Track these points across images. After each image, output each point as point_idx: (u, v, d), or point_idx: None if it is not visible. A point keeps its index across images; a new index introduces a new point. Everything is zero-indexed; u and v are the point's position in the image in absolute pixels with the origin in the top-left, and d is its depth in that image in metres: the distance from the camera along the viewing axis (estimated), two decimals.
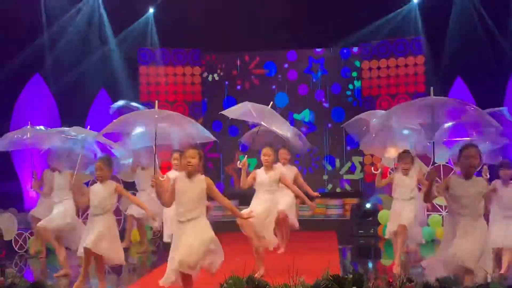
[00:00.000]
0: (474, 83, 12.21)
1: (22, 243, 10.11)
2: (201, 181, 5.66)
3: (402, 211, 7.88)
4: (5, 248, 9.55)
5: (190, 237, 5.49)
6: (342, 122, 13.58)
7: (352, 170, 13.78)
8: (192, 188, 5.62)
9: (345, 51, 13.96)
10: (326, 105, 13.98)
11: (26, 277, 4.69)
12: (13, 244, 9.99)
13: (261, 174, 7.57)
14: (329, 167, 13.89)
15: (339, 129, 13.13)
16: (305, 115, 13.95)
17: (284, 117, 8.60)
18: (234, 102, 13.08)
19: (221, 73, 14.19)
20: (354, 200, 12.59)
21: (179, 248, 5.48)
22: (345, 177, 13.82)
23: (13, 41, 11.38)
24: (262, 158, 7.59)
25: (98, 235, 6.58)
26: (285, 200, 8.89)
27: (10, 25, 11.18)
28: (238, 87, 14.16)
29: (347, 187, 13.79)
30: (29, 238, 10.10)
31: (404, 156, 7.98)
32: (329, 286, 4.02)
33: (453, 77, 12.48)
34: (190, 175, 5.64)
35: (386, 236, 8.34)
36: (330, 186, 13.65)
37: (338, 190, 13.76)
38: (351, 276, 4.09)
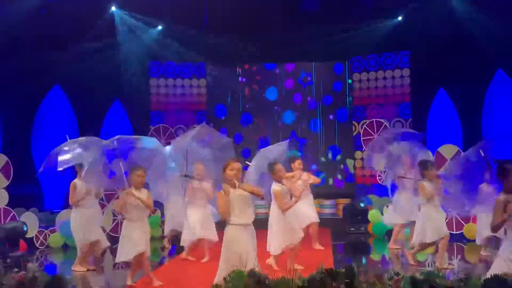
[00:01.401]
0: (456, 94, 12.23)
1: (42, 239, 10.10)
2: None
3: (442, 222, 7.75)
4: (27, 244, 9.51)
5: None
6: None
7: (345, 170, 13.80)
8: (246, 195, 5.48)
9: (337, 64, 14.03)
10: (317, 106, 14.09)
11: (46, 271, 4.68)
12: (35, 241, 9.98)
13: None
14: (324, 159, 13.92)
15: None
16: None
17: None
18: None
19: (224, 84, 14.26)
20: (346, 200, 12.58)
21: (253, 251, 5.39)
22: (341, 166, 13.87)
23: (34, 55, 11.39)
24: (279, 174, 7.21)
25: (147, 240, 6.71)
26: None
27: (31, 40, 11.21)
28: (239, 96, 14.25)
29: (340, 175, 13.79)
30: (49, 235, 10.09)
31: (433, 164, 7.73)
32: (323, 279, 4.00)
33: (436, 88, 12.49)
34: (234, 185, 5.45)
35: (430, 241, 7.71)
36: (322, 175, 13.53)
37: (330, 181, 13.78)
38: (343, 270, 4.07)
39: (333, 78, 14.04)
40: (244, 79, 14.32)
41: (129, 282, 6.73)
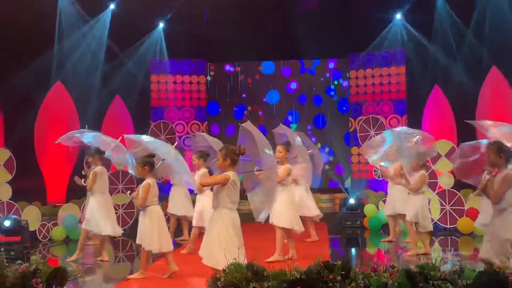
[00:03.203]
0: (450, 90, 12.22)
1: (45, 232, 10.10)
2: None
3: None
4: (30, 237, 9.48)
5: None
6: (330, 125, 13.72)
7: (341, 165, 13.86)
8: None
9: (336, 61, 14.04)
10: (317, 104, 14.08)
11: (49, 263, 4.68)
12: (37, 234, 9.97)
13: None
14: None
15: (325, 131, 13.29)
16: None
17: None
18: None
19: (223, 82, 14.29)
20: (343, 195, 12.59)
21: None
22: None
23: (37, 51, 11.36)
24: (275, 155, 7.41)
25: None
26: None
27: (34, 37, 11.17)
28: (238, 94, 14.27)
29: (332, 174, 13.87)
30: (51, 228, 10.09)
31: None
32: (320, 271, 4.01)
33: (431, 84, 12.50)
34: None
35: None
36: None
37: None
38: (340, 262, 4.08)
39: (330, 75, 14.07)
40: (242, 76, 14.33)
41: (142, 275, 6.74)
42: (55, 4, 11.70)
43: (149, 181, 6.62)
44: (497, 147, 5.23)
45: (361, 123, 12.35)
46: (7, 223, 8.70)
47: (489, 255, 5.18)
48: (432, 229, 8.10)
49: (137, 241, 6.64)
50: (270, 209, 6.54)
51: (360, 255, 8.63)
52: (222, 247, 5.19)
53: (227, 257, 4.28)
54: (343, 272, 4.01)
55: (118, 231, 8.15)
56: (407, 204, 8.10)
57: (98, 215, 7.92)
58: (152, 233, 6.54)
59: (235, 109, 14.18)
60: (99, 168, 8.02)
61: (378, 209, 10.82)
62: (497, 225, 5.23)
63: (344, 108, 13.86)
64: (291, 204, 7.69)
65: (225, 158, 5.45)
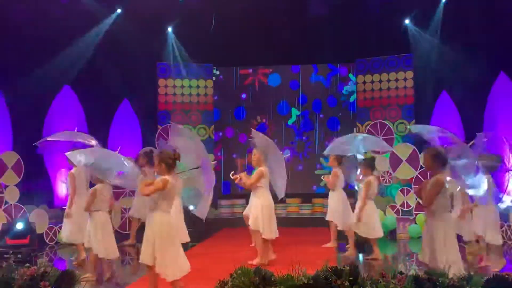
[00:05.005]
0: (458, 96, 12.18)
1: (52, 236, 10.13)
2: None
3: None
4: (37, 240, 9.51)
5: None
6: (338, 129, 13.67)
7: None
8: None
9: (343, 66, 14.03)
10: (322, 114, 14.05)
11: (56, 266, 4.69)
12: (44, 237, 10.01)
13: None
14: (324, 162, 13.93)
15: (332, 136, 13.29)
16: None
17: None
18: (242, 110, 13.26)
19: (230, 87, 14.30)
20: (349, 200, 12.54)
21: None
22: None
23: (46, 56, 11.40)
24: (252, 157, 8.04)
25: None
26: None
27: (42, 41, 11.21)
28: (244, 97, 14.26)
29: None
30: (58, 231, 10.12)
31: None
32: (328, 277, 4.01)
33: (439, 90, 12.46)
34: None
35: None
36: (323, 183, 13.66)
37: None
38: (348, 268, 4.08)
39: (338, 80, 14.06)
40: (249, 80, 14.34)
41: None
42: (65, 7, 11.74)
43: (96, 187, 6.77)
44: (432, 153, 5.50)
45: (368, 128, 12.32)
46: (19, 225, 8.77)
47: (426, 258, 5.36)
48: (373, 237, 8.47)
49: (86, 245, 6.95)
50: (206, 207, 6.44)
51: (367, 261, 8.59)
52: (174, 255, 5.44)
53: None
54: (351, 278, 4.00)
55: (70, 239, 8.07)
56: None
57: (67, 220, 8.05)
58: (97, 239, 6.72)
59: (242, 114, 14.18)
60: (75, 169, 7.90)
61: (385, 215, 10.78)
62: (426, 229, 5.47)
63: (351, 113, 13.84)
64: (263, 208, 7.69)
65: (160, 162, 5.54)
